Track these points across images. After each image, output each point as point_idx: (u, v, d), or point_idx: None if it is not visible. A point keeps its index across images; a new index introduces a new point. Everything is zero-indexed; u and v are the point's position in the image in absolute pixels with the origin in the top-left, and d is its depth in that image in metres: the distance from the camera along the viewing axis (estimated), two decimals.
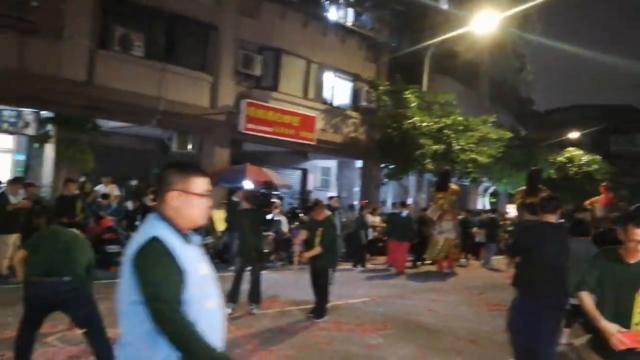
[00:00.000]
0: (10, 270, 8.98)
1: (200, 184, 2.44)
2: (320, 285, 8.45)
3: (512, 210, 27.08)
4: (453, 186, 16.36)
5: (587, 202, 14.72)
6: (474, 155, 19.06)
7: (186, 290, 2.23)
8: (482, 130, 19.77)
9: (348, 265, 14.45)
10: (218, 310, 2.36)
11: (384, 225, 17.16)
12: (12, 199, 9.71)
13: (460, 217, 17.06)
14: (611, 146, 50.70)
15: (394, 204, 16.48)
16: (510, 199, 27.49)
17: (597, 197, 15.01)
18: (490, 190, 27.37)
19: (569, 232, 6.18)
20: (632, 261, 3.82)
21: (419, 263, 16.03)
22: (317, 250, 8.35)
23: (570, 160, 30.87)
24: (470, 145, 19.09)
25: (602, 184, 16.77)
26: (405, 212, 15.10)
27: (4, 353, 5.40)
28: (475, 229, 17.86)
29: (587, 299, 3.85)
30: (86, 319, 4.81)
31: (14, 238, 9.64)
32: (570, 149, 31.84)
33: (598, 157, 31.98)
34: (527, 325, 5.00)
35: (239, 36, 15.95)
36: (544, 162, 26.34)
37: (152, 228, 2.32)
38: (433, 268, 15.45)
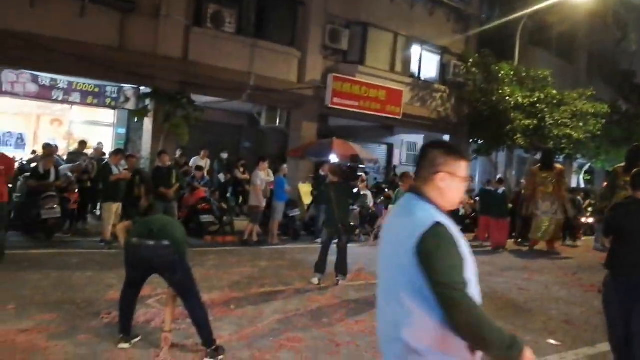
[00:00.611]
0: (114, 236, 9.73)
1: (465, 167, 2.43)
2: None
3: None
4: (558, 165, 15.86)
5: None
6: (568, 131, 18.35)
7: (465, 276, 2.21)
8: (578, 104, 18.94)
9: None
10: (478, 294, 2.34)
11: (472, 202, 17.01)
12: (115, 170, 10.47)
13: (570, 197, 16.44)
14: None
15: (488, 181, 16.21)
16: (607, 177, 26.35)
17: None
18: (586, 167, 26.26)
19: None
20: None
21: (519, 241, 15.75)
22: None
23: None
24: (565, 120, 18.37)
25: None
26: (501, 189, 14.87)
27: (111, 312, 5.94)
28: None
29: None
30: (182, 282, 5.13)
31: (116, 206, 10.40)
32: None
33: None
34: (621, 306, 4.89)
35: (327, 11, 16.14)
36: None
37: (424, 211, 2.30)
38: (524, 248, 15.10)
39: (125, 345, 5.13)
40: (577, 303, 8.67)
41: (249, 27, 14.68)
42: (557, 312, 8.00)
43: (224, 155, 15.68)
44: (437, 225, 2.19)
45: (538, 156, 20.27)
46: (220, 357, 4.98)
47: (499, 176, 17.46)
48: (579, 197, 18.21)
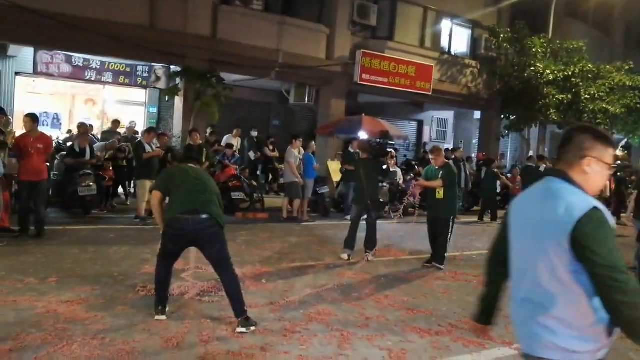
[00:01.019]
0: (148, 212, 10.03)
1: (611, 154, 2.41)
2: (441, 233, 8.63)
3: None
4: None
5: None
6: (604, 105, 18.03)
7: None
8: (615, 78, 18.56)
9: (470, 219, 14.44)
10: None
11: (504, 178, 16.89)
12: (147, 148, 10.76)
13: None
14: None
15: (530, 157, 16.08)
16: None
17: None
18: (622, 143, 25.73)
19: None
20: None
21: None
22: (438, 183, 8.54)
23: None
24: (601, 94, 18.04)
25: None
26: (543, 166, 14.73)
27: (146, 285, 6.19)
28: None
29: None
30: (218, 255, 5.35)
31: (150, 184, 10.66)
32: None
33: None
34: None
35: None
36: None
37: (577, 195, 2.30)
38: None
39: (162, 317, 5.36)
40: None
41: (277, 4, 14.79)
42: None
43: (254, 133, 15.89)
44: (595, 209, 2.20)
45: None
46: (252, 327, 5.18)
47: (529, 152, 17.31)
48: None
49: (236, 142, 14.88)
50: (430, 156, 8.90)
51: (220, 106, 13.74)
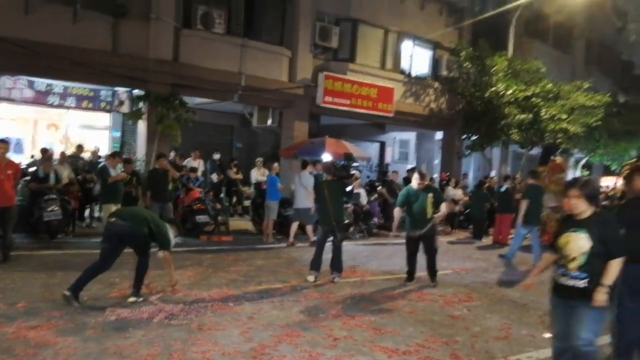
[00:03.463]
0: None
1: None
2: (432, 251, 9.28)
3: (609, 183, 26.52)
4: (557, 159, 16.47)
5: None
6: (564, 125, 18.85)
7: None
8: (575, 97, 19.42)
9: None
10: None
11: (467, 198, 17.59)
12: (112, 172, 11.08)
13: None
14: None
15: (506, 178, 16.90)
16: (607, 172, 26.88)
17: None
18: (583, 162, 26.80)
19: None
20: None
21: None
22: (443, 210, 9.33)
23: None
24: (561, 114, 18.86)
25: None
26: (505, 186, 15.54)
27: (115, 309, 6.50)
28: None
29: None
30: (140, 248, 7.09)
31: (115, 208, 10.93)
32: None
33: None
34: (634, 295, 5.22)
35: (316, 8, 16.73)
36: None
37: None
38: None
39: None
40: None
41: (238, 27, 15.22)
42: None
43: (217, 156, 16.26)
44: None
45: (533, 151, 20.90)
46: (141, 298, 6.98)
47: (492, 172, 18.00)
48: None
49: (198, 165, 15.23)
50: (419, 179, 9.28)
51: (183, 129, 14.08)
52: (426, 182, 9.34)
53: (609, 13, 30.61)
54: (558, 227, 4.85)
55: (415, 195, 9.14)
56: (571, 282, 4.50)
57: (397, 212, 9.45)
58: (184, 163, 15.17)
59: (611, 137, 23.28)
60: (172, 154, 14.77)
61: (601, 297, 4.36)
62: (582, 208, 4.55)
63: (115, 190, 11.01)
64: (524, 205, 11.80)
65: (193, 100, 14.79)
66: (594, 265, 4.42)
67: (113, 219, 7.08)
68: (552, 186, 15.19)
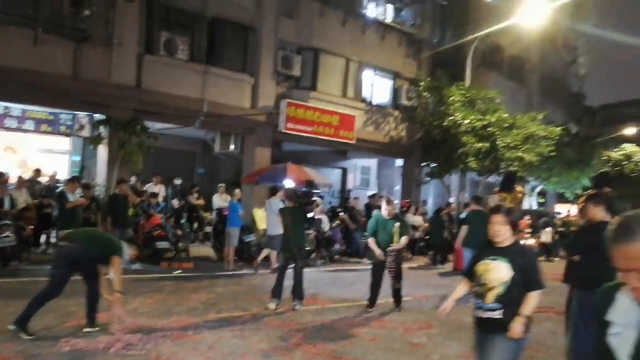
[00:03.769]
0: None
1: None
2: (398, 276, 9.34)
3: (564, 211, 27.19)
4: (518, 188, 16.80)
5: None
6: (520, 154, 19.25)
7: None
8: (530, 127, 19.92)
9: None
10: None
11: (426, 224, 17.76)
12: (70, 197, 10.83)
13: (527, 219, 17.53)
14: None
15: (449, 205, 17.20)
16: (561, 199, 27.59)
17: None
18: (538, 189, 27.41)
19: None
20: None
21: None
22: (403, 242, 9.28)
23: (627, 157, 30.62)
24: (517, 143, 19.28)
25: None
26: (464, 214, 15.65)
27: (69, 339, 6.29)
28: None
29: None
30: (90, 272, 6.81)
31: None
32: (627, 145, 31.51)
33: None
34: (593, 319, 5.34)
35: (279, 37, 16.89)
36: (597, 159, 26.26)
37: None
38: None
39: None
40: (542, 327, 9.11)
41: (201, 54, 15.23)
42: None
43: (178, 182, 16.08)
44: None
45: (490, 179, 21.28)
46: (97, 328, 6.76)
47: (450, 199, 18.23)
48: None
49: (159, 190, 15.03)
50: (388, 206, 9.34)
51: (144, 155, 13.91)
52: (395, 210, 9.43)
53: (560, 47, 31.68)
54: (476, 253, 4.62)
55: (383, 223, 9.22)
56: (487, 315, 4.26)
57: (371, 243, 9.37)
58: (145, 188, 14.95)
59: (564, 166, 23.92)
60: (133, 179, 14.56)
61: (518, 327, 4.14)
62: (506, 235, 4.32)
63: (73, 215, 10.75)
64: (464, 230, 12.02)
65: (155, 126, 14.64)
66: (512, 295, 4.20)
67: (63, 243, 6.95)
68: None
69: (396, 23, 19.99)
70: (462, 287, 4.68)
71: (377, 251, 9.18)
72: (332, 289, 11.06)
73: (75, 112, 14.71)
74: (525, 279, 4.22)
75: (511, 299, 4.18)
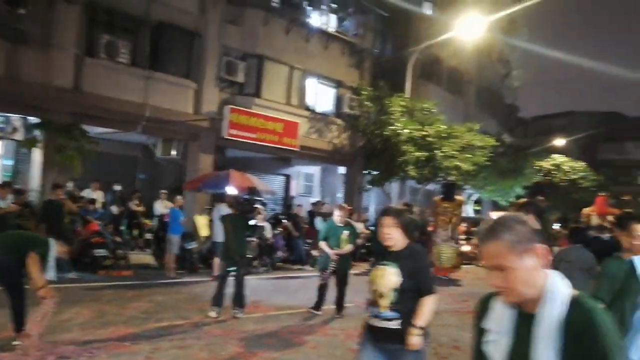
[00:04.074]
0: None
1: None
2: (344, 284, 9.44)
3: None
4: (458, 197, 17.17)
5: (584, 212, 15.64)
6: (457, 163, 19.64)
7: None
8: (466, 137, 20.36)
9: None
10: None
11: (368, 231, 17.86)
12: (2, 203, 10.32)
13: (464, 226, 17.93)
14: (599, 154, 51.70)
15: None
16: (496, 207, 28.29)
17: (592, 207, 15.81)
18: (474, 197, 28.04)
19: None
20: None
21: None
22: (349, 248, 9.34)
23: (556, 167, 31.72)
24: (454, 152, 19.66)
25: (600, 194, 17.55)
26: None
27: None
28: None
29: None
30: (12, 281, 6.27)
31: None
32: (556, 156, 32.65)
33: (583, 165, 32.81)
34: None
35: (223, 43, 16.64)
36: (530, 169, 27.08)
37: None
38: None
39: None
40: (466, 329, 9.31)
41: (143, 58, 14.86)
42: (447, 338, 8.39)
43: (117, 187, 15.59)
44: None
45: (429, 187, 21.64)
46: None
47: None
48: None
49: (97, 196, 14.52)
50: (340, 213, 9.38)
51: (83, 159, 13.44)
52: (346, 217, 9.48)
53: (495, 61, 32.62)
54: (374, 259, 4.35)
55: (333, 229, 9.27)
56: (383, 324, 3.94)
57: (322, 245, 9.40)
58: (82, 194, 14.43)
59: (499, 175, 24.56)
60: (69, 185, 14.02)
61: (414, 340, 3.84)
62: (396, 239, 4.01)
63: (3, 223, 10.21)
64: None
65: (95, 130, 14.17)
66: (405, 304, 3.91)
67: None
68: (454, 219, 15.88)
69: (339, 33, 20.08)
70: None
71: (330, 251, 9.22)
72: (275, 296, 10.95)
73: (8, 115, 14.05)
74: (417, 285, 3.95)
75: (406, 308, 3.91)
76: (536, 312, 1.84)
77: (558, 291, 1.83)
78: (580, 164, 32.90)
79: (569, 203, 30.06)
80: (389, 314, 3.92)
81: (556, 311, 1.80)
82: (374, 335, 4.02)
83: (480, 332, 2.02)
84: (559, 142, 35.97)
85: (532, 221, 5.76)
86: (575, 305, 1.80)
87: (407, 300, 3.91)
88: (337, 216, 9.38)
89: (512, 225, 1.86)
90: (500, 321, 1.94)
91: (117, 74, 14.11)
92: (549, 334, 1.79)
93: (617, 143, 52.27)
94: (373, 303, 3.99)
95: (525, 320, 1.88)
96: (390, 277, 3.92)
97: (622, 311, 2.77)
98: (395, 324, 3.91)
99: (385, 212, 4.18)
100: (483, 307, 2.06)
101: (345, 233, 9.21)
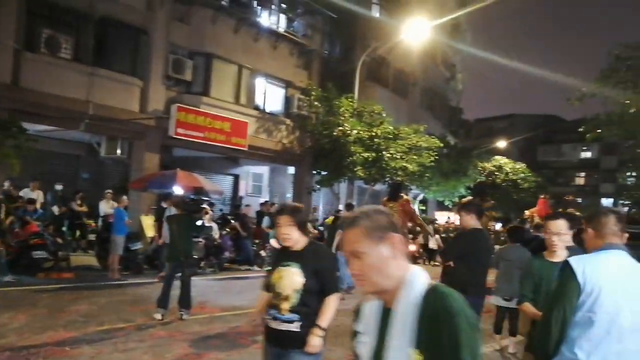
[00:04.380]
0: None
1: None
2: None
3: (443, 218, 28.38)
4: (405, 197, 17.25)
5: (527, 213, 15.98)
6: (403, 164, 19.81)
7: None
8: (412, 139, 20.57)
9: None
10: None
11: (317, 232, 17.78)
12: None
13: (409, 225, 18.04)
14: (538, 155, 53.35)
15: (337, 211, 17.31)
16: (441, 206, 28.76)
17: (535, 208, 16.16)
18: (420, 197, 28.38)
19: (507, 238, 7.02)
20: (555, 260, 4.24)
21: None
22: None
23: (498, 168, 32.46)
24: (400, 153, 19.82)
25: (542, 195, 17.98)
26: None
27: None
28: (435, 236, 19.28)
29: (530, 309, 4.33)
30: None
31: None
32: (498, 157, 33.42)
33: (523, 166, 33.70)
34: None
35: (170, 41, 16.26)
36: (472, 170, 27.58)
37: None
38: None
39: None
40: None
41: (87, 54, 14.36)
42: None
43: (59, 187, 15.00)
44: None
45: (377, 187, 21.77)
46: None
47: (339, 206, 18.44)
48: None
49: (37, 196, 13.90)
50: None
51: (22, 158, 12.83)
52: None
53: (440, 64, 33.18)
54: (273, 261, 4.19)
55: None
56: (284, 327, 3.74)
57: (273, 242, 9.21)
58: (20, 194, 13.80)
59: (443, 176, 24.92)
60: (6, 184, 13.38)
61: (316, 341, 3.69)
62: (295, 238, 3.85)
63: None
64: (338, 235, 12.13)
65: (35, 127, 13.57)
66: (309, 305, 3.74)
67: None
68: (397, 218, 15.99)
69: (288, 33, 19.95)
70: (261, 300, 4.18)
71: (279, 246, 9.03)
72: (221, 297, 10.72)
73: None
74: (320, 284, 3.79)
75: (308, 309, 3.74)
76: (392, 306, 1.84)
77: (416, 283, 1.82)
78: (521, 165, 33.77)
79: (510, 203, 30.82)
80: (289, 316, 3.74)
81: (412, 301, 1.78)
82: (273, 338, 3.85)
83: (353, 335, 2.02)
84: (501, 143, 36.87)
85: (473, 221, 5.90)
86: (430, 292, 1.79)
87: (311, 300, 3.76)
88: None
89: (370, 214, 1.89)
90: (367, 321, 1.95)
91: (58, 69, 13.56)
92: (403, 326, 1.78)
93: (555, 145, 54.07)
94: (274, 306, 3.80)
95: (385, 316, 1.88)
96: (293, 277, 3.75)
97: (563, 312, 2.76)
98: (295, 326, 3.73)
99: (280, 211, 3.97)
100: (357, 310, 2.04)
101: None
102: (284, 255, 3.90)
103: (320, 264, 3.83)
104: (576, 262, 2.84)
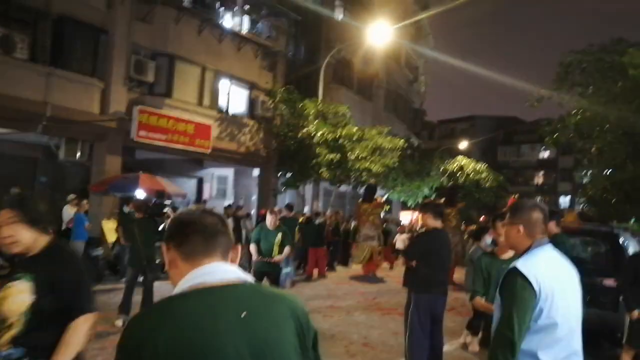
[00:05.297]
0: None
1: None
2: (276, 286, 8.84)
3: (407, 218, 28.41)
4: (378, 199, 17.45)
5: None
6: (368, 165, 19.75)
7: None
8: (377, 140, 20.53)
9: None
10: None
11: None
12: None
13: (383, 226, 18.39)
14: (498, 155, 54.18)
15: (304, 214, 17.24)
16: (405, 207, 28.81)
17: (505, 208, 16.27)
18: (384, 198, 28.36)
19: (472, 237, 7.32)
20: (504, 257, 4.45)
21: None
22: (285, 253, 8.83)
23: (460, 168, 32.75)
24: (365, 154, 19.76)
25: (513, 195, 18.18)
26: (318, 220, 16.05)
27: None
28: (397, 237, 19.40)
29: (481, 302, 4.38)
30: None
31: None
32: (460, 157, 33.73)
33: (484, 166, 34.08)
34: (428, 319, 5.88)
35: (131, 41, 15.75)
36: (436, 170, 27.74)
37: None
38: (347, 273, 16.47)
39: None
40: (375, 326, 9.35)
41: (44, 54, 13.77)
42: (358, 335, 8.57)
43: (14, 191, 14.38)
44: None
45: (342, 188, 21.66)
46: None
47: (305, 208, 18.27)
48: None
49: None
50: (271, 217, 8.89)
51: None
52: (278, 222, 9.02)
53: (403, 66, 33.34)
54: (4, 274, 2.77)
55: (265, 233, 8.82)
56: None
57: (251, 248, 8.93)
58: None
59: (406, 176, 24.98)
60: None
61: None
62: (25, 239, 2.68)
63: None
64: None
65: None
66: (38, 333, 2.59)
67: None
68: (372, 218, 16.09)
69: (252, 35, 19.64)
70: None
71: (256, 255, 8.78)
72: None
73: None
74: (60, 301, 2.64)
75: (38, 341, 2.60)
76: None
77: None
78: (482, 166, 34.14)
79: (472, 203, 31.09)
80: (10, 351, 2.56)
81: None
82: None
83: None
84: (463, 144, 37.23)
85: (433, 221, 5.94)
86: None
87: (46, 325, 2.62)
88: (269, 221, 8.94)
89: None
90: None
91: (13, 69, 12.94)
92: None
93: (515, 145, 54.96)
94: None
95: None
96: (18, 296, 2.59)
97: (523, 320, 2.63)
98: None
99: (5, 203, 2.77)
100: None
101: (278, 237, 8.80)
102: (17, 265, 2.70)
103: (59, 273, 2.69)
104: (526, 269, 2.65)
